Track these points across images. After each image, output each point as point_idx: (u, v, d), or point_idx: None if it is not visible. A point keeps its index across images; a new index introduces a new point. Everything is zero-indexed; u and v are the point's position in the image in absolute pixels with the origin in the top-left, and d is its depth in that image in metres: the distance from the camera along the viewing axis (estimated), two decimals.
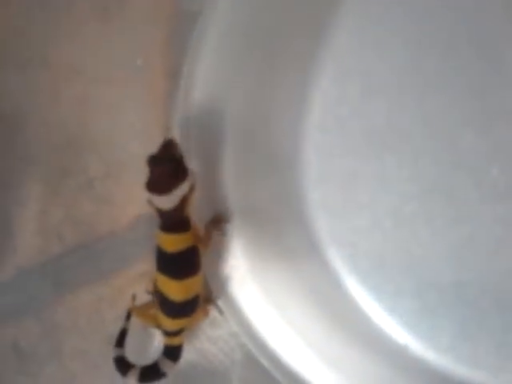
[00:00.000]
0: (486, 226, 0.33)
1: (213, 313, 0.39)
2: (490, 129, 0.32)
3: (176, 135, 0.40)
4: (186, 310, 0.37)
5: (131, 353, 0.41)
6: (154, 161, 0.34)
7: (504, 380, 0.32)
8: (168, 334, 0.38)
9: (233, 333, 0.39)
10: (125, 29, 0.43)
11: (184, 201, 0.34)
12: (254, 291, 0.37)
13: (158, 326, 0.39)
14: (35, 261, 0.46)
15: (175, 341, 0.39)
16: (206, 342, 0.40)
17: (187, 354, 0.40)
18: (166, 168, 0.33)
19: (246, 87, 0.35)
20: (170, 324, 0.38)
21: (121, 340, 0.41)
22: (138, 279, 0.43)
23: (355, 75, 0.33)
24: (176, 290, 0.36)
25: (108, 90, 0.44)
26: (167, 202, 0.34)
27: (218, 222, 0.38)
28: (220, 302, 0.38)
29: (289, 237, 0.36)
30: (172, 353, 0.39)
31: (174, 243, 0.35)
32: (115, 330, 0.43)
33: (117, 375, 0.44)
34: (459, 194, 0.33)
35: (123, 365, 0.40)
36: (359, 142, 0.34)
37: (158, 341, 0.42)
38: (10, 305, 0.46)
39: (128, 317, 0.41)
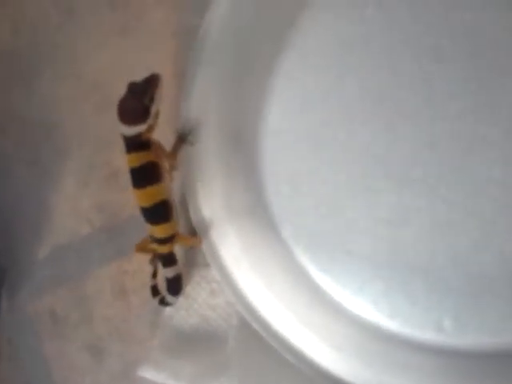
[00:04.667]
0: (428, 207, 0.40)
1: (212, 285, 0.45)
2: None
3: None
4: (158, 214, 0.43)
5: None
6: (129, 88, 0.40)
7: (414, 330, 0.39)
8: (158, 241, 0.44)
9: (229, 302, 0.45)
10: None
11: (140, 135, 0.40)
12: (246, 268, 0.43)
13: (153, 247, 0.45)
14: (68, 240, 0.52)
15: (165, 249, 0.44)
16: (207, 309, 0.45)
17: (191, 319, 0.46)
18: (131, 106, 0.40)
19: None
20: (158, 230, 0.43)
21: (154, 292, 0.47)
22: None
23: None
24: (142, 197, 0.42)
25: None
26: (124, 130, 0.40)
27: (184, 136, 0.44)
28: (216, 273, 0.44)
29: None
30: (167, 261, 0.45)
31: (133, 160, 0.41)
32: (136, 299, 0.49)
33: (136, 338, 0.49)
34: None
35: (163, 301, 0.46)
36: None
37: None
38: (48, 277, 0.52)
39: (154, 275, 0.47)
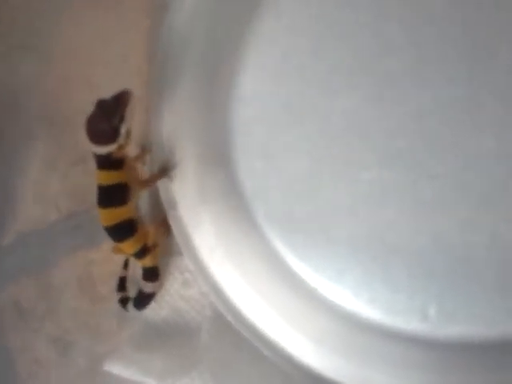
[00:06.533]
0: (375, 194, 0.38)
1: (185, 275, 0.43)
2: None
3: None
4: (121, 232, 0.41)
5: None
6: (98, 106, 0.38)
7: (397, 319, 0.37)
8: (135, 256, 0.42)
9: (203, 292, 0.43)
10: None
11: (110, 154, 0.38)
12: (221, 257, 0.41)
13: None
14: (34, 227, 0.49)
15: (145, 262, 0.43)
16: (180, 300, 0.43)
17: (162, 311, 0.44)
18: (99, 126, 0.38)
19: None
20: (125, 247, 0.42)
21: (121, 285, 0.45)
22: None
23: None
24: (104, 216, 0.40)
25: (98, 73, 0.48)
26: (94, 149, 0.38)
27: (164, 169, 0.42)
28: (189, 263, 0.42)
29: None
30: (149, 275, 0.43)
31: (102, 178, 0.39)
32: (104, 290, 0.47)
33: (104, 331, 0.48)
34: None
35: (124, 302, 0.45)
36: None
37: None
38: (12, 267, 0.50)
39: (125, 265, 0.45)
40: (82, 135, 0.47)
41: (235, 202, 0.40)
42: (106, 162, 0.39)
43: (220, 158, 0.40)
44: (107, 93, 0.40)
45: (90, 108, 0.39)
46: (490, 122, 0.36)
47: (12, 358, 0.50)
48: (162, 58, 0.42)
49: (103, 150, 0.38)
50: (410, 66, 0.37)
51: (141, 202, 0.44)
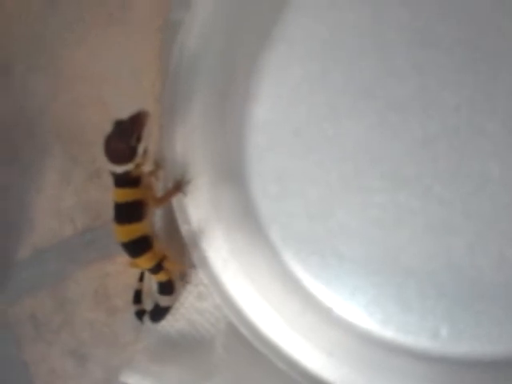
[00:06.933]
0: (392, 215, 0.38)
1: (200, 288, 0.44)
2: None
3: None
4: (137, 247, 0.41)
5: None
6: (115, 127, 0.39)
7: (408, 338, 0.38)
8: (150, 271, 0.43)
9: (217, 305, 0.43)
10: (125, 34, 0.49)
11: (127, 173, 0.39)
12: (235, 270, 0.41)
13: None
14: (50, 241, 0.50)
15: (160, 277, 0.43)
16: (194, 313, 0.44)
17: (177, 324, 0.44)
18: (117, 146, 0.38)
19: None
20: (141, 262, 0.42)
21: (137, 298, 0.46)
22: None
23: None
24: (120, 232, 0.41)
25: (110, 91, 0.49)
26: (112, 168, 0.39)
27: (178, 185, 0.42)
28: (204, 276, 0.42)
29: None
30: (165, 289, 0.44)
31: (120, 195, 0.40)
32: (119, 302, 0.48)
33: (120, 343, 0.48)
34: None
35: (141, 315, 0.45)
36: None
37: None
38: (28, 280, 0.50)
39: (141, 278, 0.46)
40: (96, 151, 0.49)
41: (249, 222, 0.41)
42: (124, 180, 0.40)
43: (234, 179, 0.41)
44: (120, 110, 0.41)
45: (103, 125, 0.40)
46: (495, 148, 0.37)
47: (29, 371, 0.50)
48: (175, 76, 0.42)
49: (121, 168, 0.39)
50: (414, 91, 0.38)
51: (155, 217, 0.45)
